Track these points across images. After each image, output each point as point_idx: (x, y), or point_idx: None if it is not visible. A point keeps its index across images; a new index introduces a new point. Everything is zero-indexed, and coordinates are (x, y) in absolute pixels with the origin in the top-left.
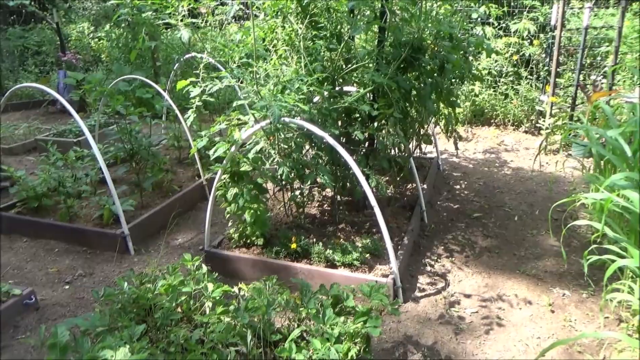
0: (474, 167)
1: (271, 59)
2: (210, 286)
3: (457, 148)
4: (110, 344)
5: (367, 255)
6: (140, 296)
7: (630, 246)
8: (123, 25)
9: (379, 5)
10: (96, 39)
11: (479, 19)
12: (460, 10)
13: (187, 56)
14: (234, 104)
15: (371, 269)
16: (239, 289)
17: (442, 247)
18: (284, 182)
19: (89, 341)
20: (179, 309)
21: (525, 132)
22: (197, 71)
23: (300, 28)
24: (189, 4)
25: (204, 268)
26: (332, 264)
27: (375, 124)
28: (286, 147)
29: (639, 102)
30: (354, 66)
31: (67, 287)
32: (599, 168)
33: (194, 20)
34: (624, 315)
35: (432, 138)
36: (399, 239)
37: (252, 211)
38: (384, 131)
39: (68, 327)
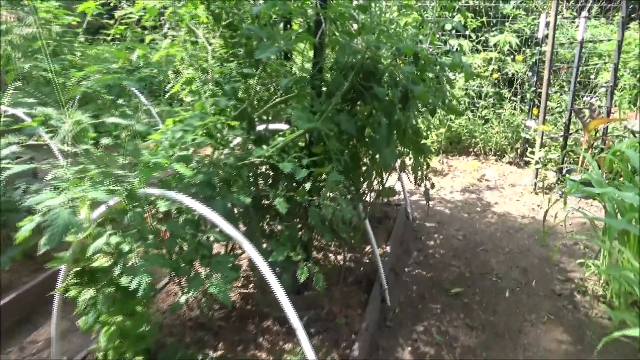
0: (451, 212)
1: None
2: None
3: (428, 200)
4: None
5: None
6: None
7: None
8: None
9: (312, 13)
10: None
11: (454, 31)
12: (430, 21)
13: None
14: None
15: None
16: None
17: (409, 349)
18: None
19: None
20: None
21: (510, 163)
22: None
23: (212, 44)
24: None
25: None
26: None
27: (309, 185)
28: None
29: None
30: (276, 100)
31: None
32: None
33: None
34: None
35: (398, 176)
36: (347, 345)
37: (111, 328)
38: (321, 193)
39: None
